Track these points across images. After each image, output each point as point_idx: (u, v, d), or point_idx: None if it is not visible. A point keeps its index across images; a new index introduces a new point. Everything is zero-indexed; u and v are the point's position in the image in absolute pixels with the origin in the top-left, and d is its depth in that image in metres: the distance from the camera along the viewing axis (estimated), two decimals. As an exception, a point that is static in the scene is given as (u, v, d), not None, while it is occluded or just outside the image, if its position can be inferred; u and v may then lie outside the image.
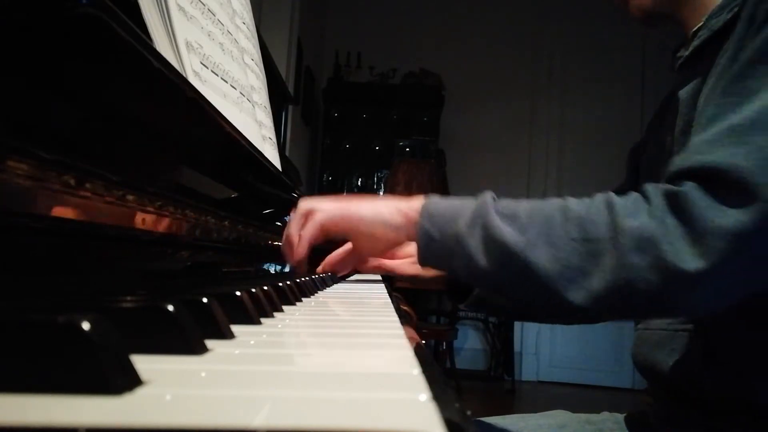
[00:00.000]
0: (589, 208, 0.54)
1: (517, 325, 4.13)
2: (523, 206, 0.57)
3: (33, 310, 0.24)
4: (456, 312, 4.03)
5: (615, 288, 0.50)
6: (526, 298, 0.58)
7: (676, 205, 0.49)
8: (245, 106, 0.76)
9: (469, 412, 0.19)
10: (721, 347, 0.62)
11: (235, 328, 0.34)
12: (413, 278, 0.90)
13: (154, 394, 0.20)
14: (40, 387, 0.19)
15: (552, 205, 0.56)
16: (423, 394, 0.21)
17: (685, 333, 0.67)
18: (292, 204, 1.01)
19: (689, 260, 0.47)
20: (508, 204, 0.58)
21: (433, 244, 0.59)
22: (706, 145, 0.50)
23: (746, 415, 0.61)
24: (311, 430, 0.17)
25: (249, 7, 0.94)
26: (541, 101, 4.37)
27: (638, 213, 0.50)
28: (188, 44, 0.57)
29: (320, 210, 0.68)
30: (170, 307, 0.27)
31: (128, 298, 0.33)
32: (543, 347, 4.23)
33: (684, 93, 0.66)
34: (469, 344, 4.28)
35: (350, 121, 3.98)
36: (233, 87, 0.71)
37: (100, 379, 0.19)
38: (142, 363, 0.22)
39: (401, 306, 0.66)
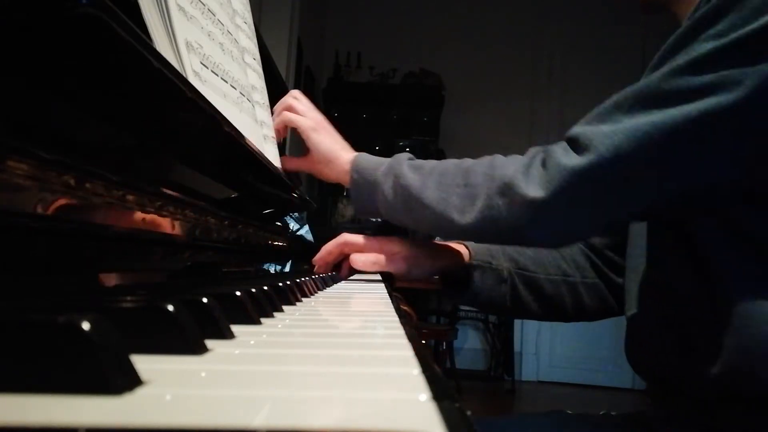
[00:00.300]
0: (479, 162, 0.69)
1: (517, 324, 4.12)
2: (432, 163, 0.73)
3: (33, 310, 0.24)
4: (456, 312, 4.03)
5: (484, 222, 0.65)
6: (424, 227, 0.75)
7: (544, 157, 0.63)
8: (245, 106, 0.76)
9: (469, 412, 0.19)
10: (698, 341, 0.63)
11: (235, 328, 0.34)
12: (405, 275, 0.90)
13: (154, 394, 0.20)
14: (40, 387, 0.19)
15: (455, 161, 0.72)
16: (423, 394, 0.21)
17: (664, 328, 0.67)
18: (292, 204, 1.01)
19: (534, 189, 0.61)
20: (419, 161, 0.75)
21: (360, 191, 0.77)
22: (587, 119, 0.64)
23: (738, 408, 0.61)
24: (311, 430, 0.17)
25: (249, 7, 0.94)
26: (541, 101, 4.37)
27: (512, 165, 0.65)
28: (188, 44, 0.57)
29: (301, 115, 0.87)
30: (170, 307, 0.27)
31: (128, 298, 0.33)
32: (543, 347, 4.23)
33: None
34: (469, 344, 4.27)
35: (350, 121, 3.97)
36: (233, 87, 0.71)
37: (100, 379, 0.19)
38: (142, 363, 0.22)
39: (401, 306, 0.66)
